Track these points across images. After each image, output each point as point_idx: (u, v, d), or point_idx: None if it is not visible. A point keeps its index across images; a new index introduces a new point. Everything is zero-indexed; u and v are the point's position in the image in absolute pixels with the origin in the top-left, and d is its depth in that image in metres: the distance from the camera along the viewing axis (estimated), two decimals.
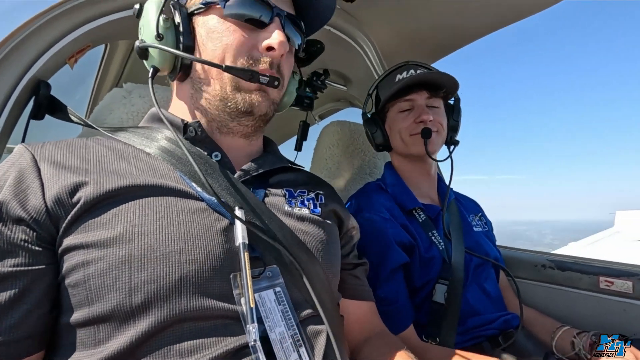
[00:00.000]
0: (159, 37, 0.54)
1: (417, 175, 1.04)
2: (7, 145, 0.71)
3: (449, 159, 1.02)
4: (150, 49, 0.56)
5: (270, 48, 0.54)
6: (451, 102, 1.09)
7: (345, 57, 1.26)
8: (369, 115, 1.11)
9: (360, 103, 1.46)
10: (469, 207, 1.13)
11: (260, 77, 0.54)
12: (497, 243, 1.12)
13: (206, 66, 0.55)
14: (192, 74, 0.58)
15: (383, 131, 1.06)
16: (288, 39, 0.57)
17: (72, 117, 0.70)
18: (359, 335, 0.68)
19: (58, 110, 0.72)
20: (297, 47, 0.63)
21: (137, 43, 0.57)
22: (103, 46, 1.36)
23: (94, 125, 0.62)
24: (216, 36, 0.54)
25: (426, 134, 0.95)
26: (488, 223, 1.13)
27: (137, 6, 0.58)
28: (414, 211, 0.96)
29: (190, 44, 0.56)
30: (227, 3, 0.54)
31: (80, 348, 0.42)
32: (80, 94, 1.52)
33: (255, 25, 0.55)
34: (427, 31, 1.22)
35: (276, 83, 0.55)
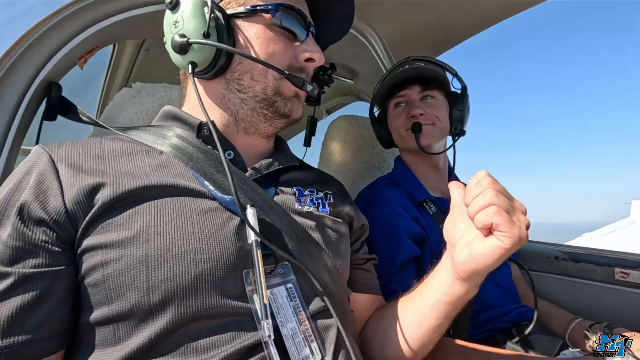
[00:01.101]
0: (207, 35, 0.54)
1: (425, 168, 1.04)
2: (22, 147, 0.72)
3: (452, 148, 1.01)
4: (195, 45, 0.54)
5: (309, 59, 0.59)
6: (459, 91, 1.06)
7: (352, 51, 1.25)
8: (375, 115, 1.12)
9: (368, 97, 1.45)
10: None
11: (307, 85, 0.58)
12: None
13: (248, 67, 0.56)
14: (229, 74, 0.58)
15: (387, 129, 1.06)
16: None
17: (84, 118, 0.71)
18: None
19: (70, 111, 0.73)
20: None
21: (175, 37, 0.54)
22: (111, 46, 1.38)
23: (105, 125, 0.63)
24: (261, 42, 0.56)
25: (416, 128, 0.95)
26: None
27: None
28: (424, 203, 0.96)
29: (232, 45, 0.56)
30: (277, 13, 0.56)
31: (101, 346, 0.43)
32: (90, 94, 1.54)
33: (294, 37, 0.59)
34: (433, 23, 1.20)
35: (316, 92, 0.59)
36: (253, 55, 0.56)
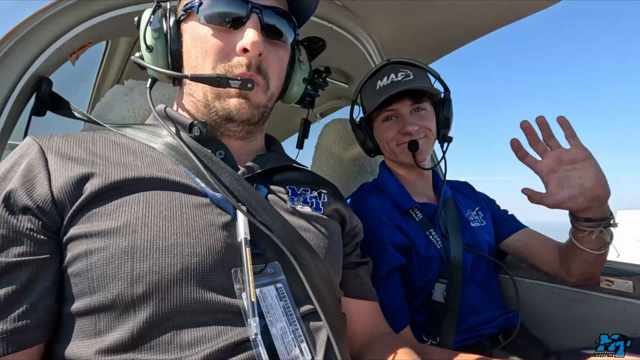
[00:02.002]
0: (149, 48, 0.56)
1: (411, 176, 1.03)
2: (9, 142, 0.71)
3: (443, 159, 1.00)
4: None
5: (245, 49, 0.52)
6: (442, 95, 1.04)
7: (346, 55, 1.26)
8: (357, 122, 1.09)
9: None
10: (465, 202, 1.10)
11: (231, 81, 0.52)
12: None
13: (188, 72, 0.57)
14: (183, 80, 0.59)
15: (372, 138, 1.05)
16: (276, 32, 0.57)
17: (75, 113, 0.70)
18: (361, 335, 0.67)
19: (60, 106, 0.72)
20: (290, 41, 0.61)
21: (133, 57, 0.59)
22: (104, 43, 1.36)
23: (97, 121, 0.62)
24: (197, 43, 0.55)
25: (413, 146, 0.93)
26: (486, 217, 1.09)
27: (136, 19, 0.59)
28: (410, 211, 0.96)
29: (178, 51, 0.57)
30: (200, 7, 0.53)
31: (81, 337, 0.43)
32: (81, 91, 1.53)
33: (233, 25, 0.54)
34: (428, 28, 1.22)
35: (249, 86, 0.53)
36: (193, 57, 0.55)
